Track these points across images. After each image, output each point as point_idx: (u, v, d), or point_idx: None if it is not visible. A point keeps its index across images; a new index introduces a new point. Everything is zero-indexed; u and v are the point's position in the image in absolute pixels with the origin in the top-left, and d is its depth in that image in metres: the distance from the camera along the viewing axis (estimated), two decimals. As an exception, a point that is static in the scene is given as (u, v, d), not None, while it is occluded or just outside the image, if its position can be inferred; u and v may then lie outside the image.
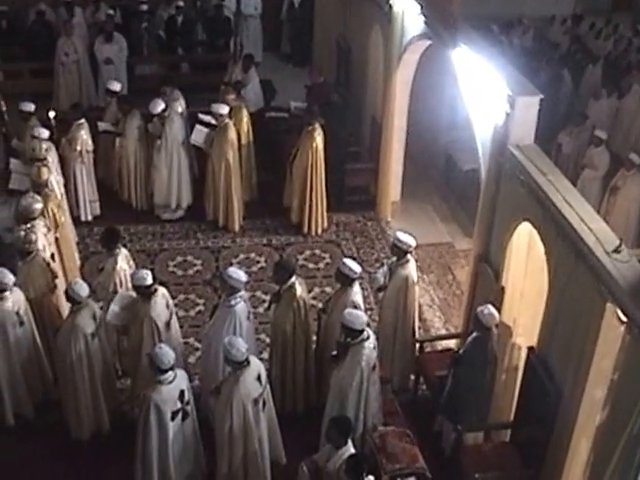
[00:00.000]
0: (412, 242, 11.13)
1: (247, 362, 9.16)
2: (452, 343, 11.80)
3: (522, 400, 9.93)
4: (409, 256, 11.21)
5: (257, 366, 9.38)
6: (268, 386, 9.62)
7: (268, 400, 9.65)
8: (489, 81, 10.12)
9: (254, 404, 9.25)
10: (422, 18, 12.43)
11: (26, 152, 13.52)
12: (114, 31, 18.93)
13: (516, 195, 9.68)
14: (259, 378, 9.34)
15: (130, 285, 11.18)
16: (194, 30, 20.51)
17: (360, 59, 16.78)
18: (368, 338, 9.70)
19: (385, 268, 11.56)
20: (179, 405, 9.21)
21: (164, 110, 14.76)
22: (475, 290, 11.14)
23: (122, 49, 18.95)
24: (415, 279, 11.30)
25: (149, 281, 10.40)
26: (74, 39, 18.69)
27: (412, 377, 11.67)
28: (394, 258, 11.32)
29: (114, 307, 10.68)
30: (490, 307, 9.83)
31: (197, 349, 12.04)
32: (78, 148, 14.56)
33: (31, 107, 14.50)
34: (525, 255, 10.09)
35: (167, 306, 10.66)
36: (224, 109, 14.36)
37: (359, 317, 9.68)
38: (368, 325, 9.85)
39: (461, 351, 10.19)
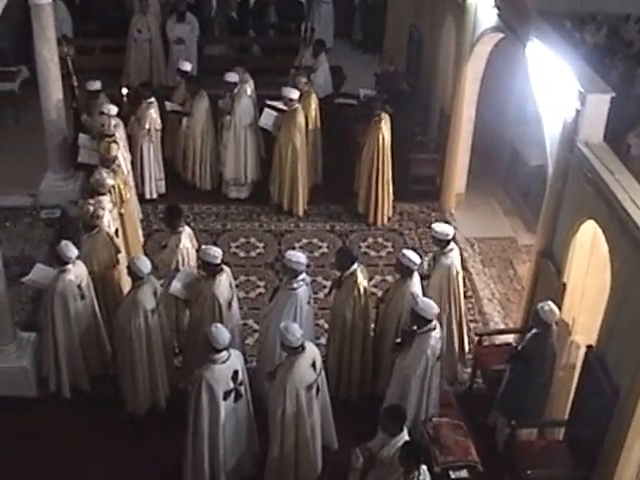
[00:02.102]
0: (450, 231, 11.15)
1: (302, 348, 9.19)
2: (510, 338, 11.74)
3: (578, 398, 9.86)
4: (453, 245, 11.25)
5: (313, 352, 9.40)
6: (323, 373, 9.65)
7: (322, 387, 9.68)
8: (560, 77, 10.04)
9: (307, 390, 9.28)
10: (496, 11, 12.36)
11: (95, 128, 13.72)
12: (187, 11, 19.09)
13: (582, 193, 9.60)
14: (314, 365, 9.36)
15: (192, 263, 11.34)
16: (266, 13, 20.57)
17: (431, 49, 16.73)
18: (435, 328, 9.73)
19: (430, 256, 11.65)
20: (232, 385, 9.24)
21: (236, 85, 14.86)
22: (536, 286, 11.08)
23: (194, 29, 19.10)
24: (459, 268, 11.31)
25: (218, 260, 10.49)
26: (148, 17, 18.89)
27: (465, 369, 11.71)
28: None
29: (176, 283, 10.81)
30: (551, 304, 9.78)
31: (255, 331, 12.10)
32: (147, 126, 14.72)
33: (97, 85, 14.73)
34: (588, 253, 10.02)
35: (230, 286, 10.74)
36: (294, 93, 14.41)
37: (431, 306, 9.70)
38: (437, 316, 9.88)
39: (520, 347, 10.13)
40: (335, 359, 10.94)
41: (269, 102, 14.97)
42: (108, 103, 14.08)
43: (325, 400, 9.90)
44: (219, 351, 9.13)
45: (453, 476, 9.50)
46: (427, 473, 8.41)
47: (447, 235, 11.12)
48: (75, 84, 15.28)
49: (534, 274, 11.12)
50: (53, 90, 13.80)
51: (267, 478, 9.76)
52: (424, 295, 10.55)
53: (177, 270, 11.24)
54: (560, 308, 9.97)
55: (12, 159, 15.45)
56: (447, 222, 11.23)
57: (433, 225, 11.46)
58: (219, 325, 9.37)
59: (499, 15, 12.29)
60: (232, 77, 14.90)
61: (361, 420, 10.40)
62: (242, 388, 9.42)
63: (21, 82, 17.87)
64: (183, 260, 11.41)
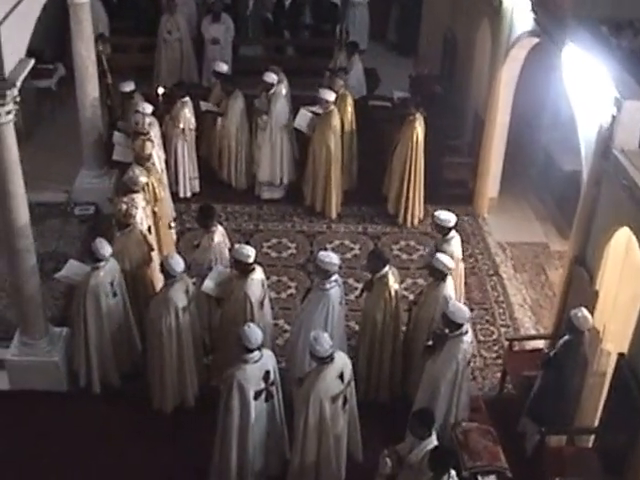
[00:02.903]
0: (452, 219, 11.43)
1: (331, 359, 9.12)
2: (541, 344, 11.70)
3: (608, 406, 9.81)
4: (454, 233, 11.46)
5: (341, 363, 9.30)
6: (352, 384, 9.58)
7: (351, 398, 9.60)
8: (596, 82, 10.00)
9: (332, 402, 9.21)
10: (532, 15, 12.32)
11: (130, 129, 13.79)
12: (222, 11, 19.13)
13: (617, 199, 9.55)
14: (341, 376, 9.27)
15: (225, 263, 11.37)
16: (301, 14, 20.63)
17: (466, 52, 16.70)
18: (467, 332, 9.72)
19: (432, 244, 11.94)
20: (263, 385, 9.25)
21: (273, 85, 14.89)
22: (568, 292, 11.03)
23: (229, 29, 19.14)
24: (460, 256, 11.56)
25: (251, 259, 10.52)
26: (177, 16, 18.92)
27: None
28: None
29: (209, 282, 10.86)
30: (584, 310, 9.74)
31: (286, 331, 12.13)
32: (181, 126, 14.80)
33: (131, 86, 14.82)
34: (621, 260, 9.97)
35: (262, 285, 10.77)
36: (331, 95, 14.42)
37: (463, 311, 9.70)
38: (468, 320, 9.87)
39: (552, 353, 10.09)
40: (365, 361, 10.94)
41: (306, 107, 14.95)
42: (143, 102, 14.16)
43: (353, 411, 9.82)
44: (251, 351, 9.13)
45: (481, 481, 9.50)
46: (456, 478, 8.38)
47: (449, 222, 11.40)
48: (110, 82, 15.38)
49: (566, 280, 11.06)
50: (89, 88, 13.89)
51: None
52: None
53: (209, 269, 11.28)
54: (592, 315, 9.93)
55: (47, 155, 15.54)
56: (451, 218, 11.40)
57: (436, 213, 11.70)
58: (252, 325, 9.38)
59: (535, 19, 12.26)
60: (270, 77, 14.92)
61: (390, 423, 10.37)
62: (273, 389, 9.42)
63: (58, 79, 18.01)
64: (215, 259, 11.44)
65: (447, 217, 11.46)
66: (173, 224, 13.57)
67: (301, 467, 9.50)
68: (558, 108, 14.90)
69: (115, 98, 15.45)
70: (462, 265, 11.68)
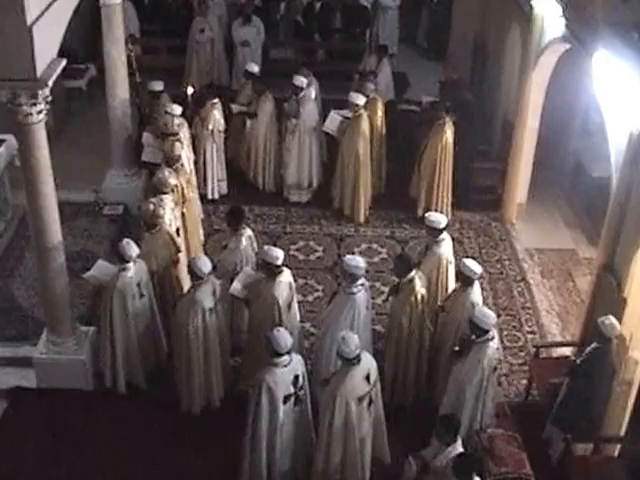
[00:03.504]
0: (442, 220, 11.51)
1: (357, 360, 9.13)
2: (568, 351, 11.65)
3: (635, 415, 9.77)
4: (445, 235, 11.52)
5: (368, 365, 9.32)
6: (378, 385, 9.59)
7: (376, 400, 9.60)
8: (627, 88, 9.94)
9: (358, 402, 9.20)
10: (563, 20, 12.27)
11: (159, 127, 13.83)
12: (253, 14, 19.17)
13: (647, 207, 9.51)
14: (368, 377, 9.28)
15: (251, 265, 11.38)
16: (332, 17, 20.59)
17: (496, 58, 16.65)
18: (493, 338, 9.70)
19: (423, 245, 12.01)
20: (292, 390, 9.24)
21: (302, 89, 14.91)
22: (596, 299, 10.96)
23: (259, 32, 19.19)
24: (451, 258, 11.61)
25: (279, 261, 10.53)
26: (209, 18, 19.01)
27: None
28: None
29: (237, 284, 10.89)
30: (612, 318, 9.70)
31: (312, 334, 12.13)
32: (210, 127, 14.84)
33: (160, 86, 14.86)
34: (651, 268, 9.91)
35: (290, 288, 10.78)
36: (361, 99, 14.41)
37: (489, 316, 9.69)
38: (494, 326, 9.84)
39: (579, 360, 10.05)
40: (391, 365, 10.94)
41: (336, 110, 14.94)
42: (171, 103, 14.21)
43: (379, 413, 9.81)
44: (281, 355, 9.12)
45: (506, 488, 9.46)
46: (480, 484, 8.38)
47: (440, 224, 11.44)
48: (139, 81, 15.45)
49: (594, 287, 10.99)
50: (120, 89, 13.97)
51: None
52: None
53: (234, 271, 11.31)
54: (620, 323, 9.87)
55: (77, 155, 15.66)
56: (442, 219, 11.59)
57: (427, 214, 11.85)
58: (281, 329, 9.37)
59: (566, 25, 12.19)
60: (299, 81, 14.91)
61: (415, 427, 10.35)
62: (302, 393, 9.42)
63: (88, 80, 18.13)
64: (242, 261, 11.47)
65: (437, 219, 11.54)
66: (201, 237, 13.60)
67: (325, 468, 9.51)
68: (588, 114, 14.85)
69: (143, 97, 15.52)
70: (452, 268, 11.65)
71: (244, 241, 11.50)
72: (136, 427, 10.84)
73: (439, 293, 11.54)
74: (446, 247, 11.57)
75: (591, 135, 15.09)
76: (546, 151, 15.24)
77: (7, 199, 14.19)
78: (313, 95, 15.24)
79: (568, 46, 12.58)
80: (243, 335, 11.48)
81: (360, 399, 9.23)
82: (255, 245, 11.86)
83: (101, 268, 11.28)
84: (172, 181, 12.09)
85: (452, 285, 11.55)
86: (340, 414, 9.15)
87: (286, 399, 9.21)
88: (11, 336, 11.88)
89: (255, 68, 16.04)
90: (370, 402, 9.43)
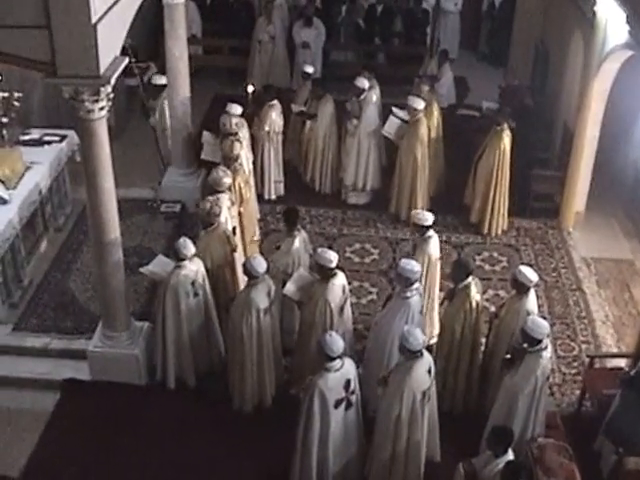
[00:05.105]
0: (429, 218, 11.50)
1: (421, 353, 9.18)
2: (623, 362, 11.53)
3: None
4: (432, 232, 11.56)
5: (429, 359, 9.37)
6: (434, 382, 9.59)
7: (433, 395, 9.65)
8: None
9: (422, 396, 9.25)
10: (627, 27, 12.13)
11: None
12: (314, 16, 19.24)
13: None
14: (429, 371, 9.34)
15: (304, 267, 11.39)
16: (393, 21, 20.57)
17: (557, 64, 16.54)
18: (546, 348, 9.59)
19: (411, 243, 12.09)
20: (344, 394, 9.25)
21: (364, 91, 14.89)
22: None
23: (320, 34, 19.25)
24: (438, 256, 11.64)
25: (334, 264, 10.54)
26: (273, 19, 19.12)
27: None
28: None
29: (291, 285, 10.91)
30: (667, 330, 9.59)
31: (365, 337, 12.04)
32: (267, 128, 14.90)
33: (163, 80, 14.70)
34: None
35: (343, 291, 10.75)
36: (420, 104, 14.38)
37: (542, 326, 9.57)
38: (548, 336, 9.73)
39: (633, 372, 9.94)
40: (441, 371, 10.81)
41: (396, 110, 14.94)
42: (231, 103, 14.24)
43: (433, 410, 9.84)
44: (333, 359, 9.13)
45: (554, 499, 9.38)
46: (529, 494, 8.33)
47: (426, 221, 11.47)
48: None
49: (651, 299, 10.89)
50: (181, 87, 14.07)
51: None
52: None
53: (285, 272, 11.36)
54: (676, 336, 9.76)
55: (137, 152, 15.88)
56: (428, 216, 11.69)
57: (413, 212, 11.98)
58: (333, 333, 9.38)
59: (630, 32, 12.06)
60: (362, 82, 14.92)
61: (464, 436, 10.31)
62: (353, 397, 9.41)
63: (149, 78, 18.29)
64: (294, 263, 11.49)
65: (424, 216, 11.54)
66: (256, 237, 13.63)
67: (391, 463, 9.55)
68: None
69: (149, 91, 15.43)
70: (439, 265, 11.74)
71: (297, 243, 11.51)
72: (186, 423, 10.92)
73: (432, 292, 11.61)
74: (434, 245, 11.58)
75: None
76: (606, 160, 15.10)
77: (67, 193, 14.39)
78: (374, 99, 15.23)
79: (631, 53, 12.45)
80: (294, 336, 11.48)
81: (424, 393, 9.27)
82: (309, 247, 11.87)
83: (160, 263, 11.40)
84: (227, 180, 12.12)
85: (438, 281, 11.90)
86: (407, 407, 9.20)
87: (338, 403, 9.22)
88: (66, 329, 12.02)
89: (310, 69, 16.12)
90: (429, 398, 9.46)
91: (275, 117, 14.99)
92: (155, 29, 17.00)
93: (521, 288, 10.50)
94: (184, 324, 11.01)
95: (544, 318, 11.40)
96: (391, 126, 14.78)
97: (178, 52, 13.74)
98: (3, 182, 12.51)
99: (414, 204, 14.66)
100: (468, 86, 19.13)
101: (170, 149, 15.11)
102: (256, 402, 10.98)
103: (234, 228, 12.15)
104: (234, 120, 13.65)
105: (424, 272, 11.33)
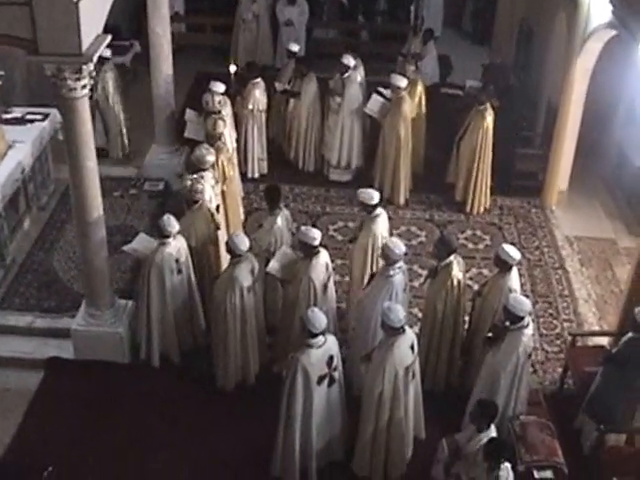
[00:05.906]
0: (375, 196, 11.50)
1: (403, 329, 9.20)
2: (605, 340, 11.60)
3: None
4: (380, 210, 11.56)
5: (411, 336, 9.39)
6: (417, 359, 9.60)
7: (417, 372, 9.66)
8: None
9: (405, 372, 9.27)
10: (610, 7, 12.14)
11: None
12: (297, -6, 19.18)
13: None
14: (412, 347, 9.36)
15: (286, 245, 11.39)
16: (376, -1, 20.57)
17: (541, 43, 16.55)
18: (528, 325, 9.62)
19: (358, 221, 12.17)
20: (326, 370, 9.26)
21: (349, 69, 14.90)
22: (635, 290, 10.91)
23: (303, 12, 19.23)
24: (386, 234, 11.60)
25: (317, 242, 10.54)
26: (257, -2, 19.03)
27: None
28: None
29: (274, 263, 10.90)
30: (649, 308, 9.63)
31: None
32: (250, 107, 14.87)
33: (107, 53, 14.51)
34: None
35: (326, 269, 10.76)
36: (403, 82, 14.38)
37: (524, 303, 9.60)
38: (530, 313, 9.78)
39: (614, 350, 10.00)
40: (424, 349, 10.83)
41: (381, 89, 14.94)
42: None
43: (417, 387, 9.86)
44: (315, 335, 9.14)
45: (537, 476, 9.43)
46: (510, 471, 8.36)
47: (372, 199, 11.47)
48: None
49: (634, 278, 10.94)
50: (164, 65, 14.01)
51: (357, 459, 9.80)
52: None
53: (267, 250, 11.36)
54: (658, 313, 9.79)
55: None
56: (374, 195, 11.67)
57: (358, 190, 11.82)
58: (315, 309, 9.40)
59: (613, 11, 12.07)
60: (348, 60, 14.94)
61: (446, 413, 10.36)
62: (336, 373, 9.43)
63: (132, 56, 18.22)
64: (275, 241, 11.48)
65: (370, 194, 11.54)
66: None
67: (373, 439, 9.57)
68: (633, 103, 14.70)
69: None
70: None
71: (279, 221, 11.50)
72: (171, 400, 10.93)
73: (374, 269, 11.48)
74: (382, 223, 11.56)
75: (636, 124, 14.94)
76: (589, 139, 15.13)
77: (50, 172, 14.34)
78: (359, 79, 15.23)
79: (614, 33, 12.47)
80: (276, 314, 11.51)
81: (407, 369, 9.28)
82: (292, 225, 11.89)
83: (143, 241, 11.37)
84: (209, 158, 12.09)
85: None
86: (389, 383, 9.21)
87: (320, 379, 9.23)
88: (50, 308, 12.02)
89: (295, 47, 16.10)
90: (413, 374, 9.50)
91: (259, 95, 14.95)
92: (138, 7, 16.89)
93: (504, 266, 10.52)
94: (168, 301, 11.02)
95: (527, 296, 11.50)
96: (374, 104, 14.77)
97: (161, 30, 13.66)
98: (-15, 160, 12.47)
99: (397, 182, 14.73)
100: (451, 64, 19.10)
101: (115, 123, 15.34)
102: (240, 379, 10.99)
103: (217, 206, 12.13)
104: (217, 98, 13.60)
105: (370, 251, 11.38)
